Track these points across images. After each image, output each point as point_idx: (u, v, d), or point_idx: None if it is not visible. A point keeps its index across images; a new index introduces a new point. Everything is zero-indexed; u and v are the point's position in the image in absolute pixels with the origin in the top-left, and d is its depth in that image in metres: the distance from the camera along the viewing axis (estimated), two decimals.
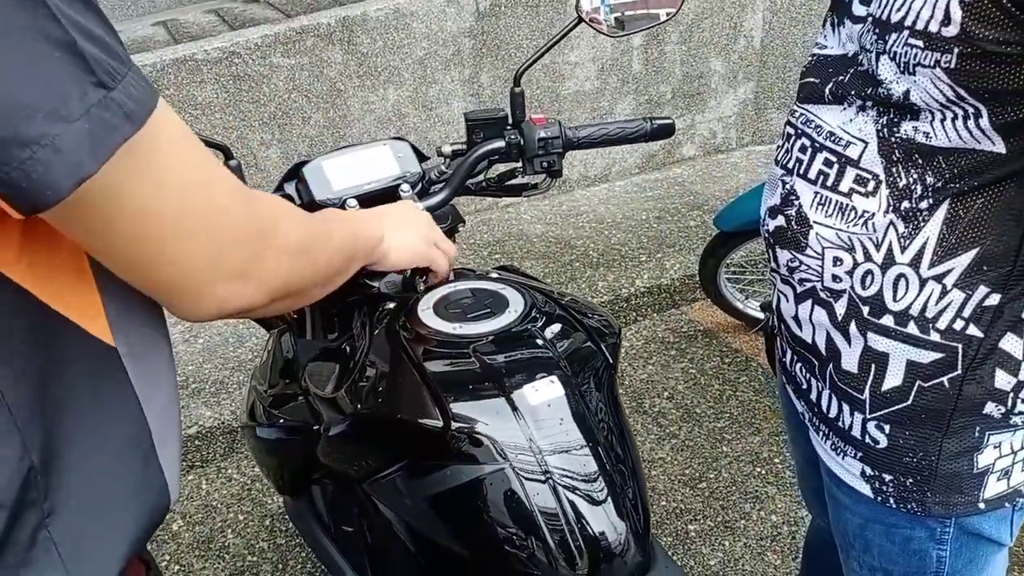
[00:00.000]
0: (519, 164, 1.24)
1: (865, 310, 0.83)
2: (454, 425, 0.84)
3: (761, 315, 2.50)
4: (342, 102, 2.88)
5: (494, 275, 1.08)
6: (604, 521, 0.83)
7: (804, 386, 0.96)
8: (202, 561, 1.94)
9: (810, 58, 0.89)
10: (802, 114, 0.88)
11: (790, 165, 0.88)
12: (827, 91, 0.84)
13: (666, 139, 1.27)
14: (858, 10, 0.80)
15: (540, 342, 0.93)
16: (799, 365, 0.96)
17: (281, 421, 1.08)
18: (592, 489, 0.84)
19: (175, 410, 0.66)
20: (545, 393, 0.86)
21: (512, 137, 1.21)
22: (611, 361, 0.96)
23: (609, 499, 0.84)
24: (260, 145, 2.82)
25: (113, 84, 0.46)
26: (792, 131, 0.89)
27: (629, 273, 2.76)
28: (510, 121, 1.23)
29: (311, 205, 1.12)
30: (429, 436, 0.84)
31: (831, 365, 0.89)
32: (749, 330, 2.58)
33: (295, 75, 2.78)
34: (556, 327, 0.97)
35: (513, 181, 1.26)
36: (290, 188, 1.17)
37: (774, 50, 3.69)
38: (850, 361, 0.86)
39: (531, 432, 0.84)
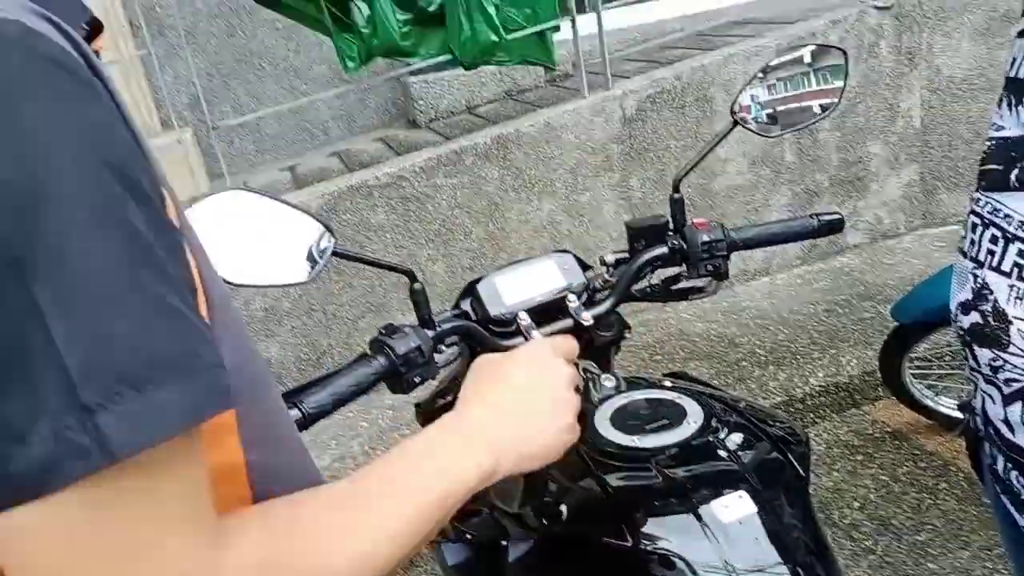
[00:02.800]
0: (683, 268, 1.23)
1: None
2: (643, 544, 0.81)
3: (956, 413, 2.28)
4: (500, 215, 3.01)
5: (667, 383, 1.06)
6: None
7: (1023, 496, 0.86)
8: None
9: (987, 143, 0.85)
10: (987, 203, 0.82)
11: (980, 257, 0.83)
12: (1012, 177, 0.79)
13: (836, 235, 1.23)
14: None
15: (723, 454, 0.89)
16: (1014, 473, 0.86)
17: (468, 536, 1.09)
18: None
19: None
20: (736, 510, 0.82)
21: (675, 242, 1.21)
22: (802, 473, 0.90)
23: None
24: (427, 260, 2.98)
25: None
26: (978, 221, 0.84)
27: (802, 371, 2.62)
28: (671, 227, 1.24)
29: (487, 320, 1.16)
30: (619, 556, 0.82)
31: None
32: (943, 431, 2.36)
33: (456, 193, 2.95)
34: (738, 437, 0.93)
35: (679, 285, 1.25)
36: (465, 305, 1.22)
37: (936, 129, 3.51)
38: None
39: (724, 551, 0.80)
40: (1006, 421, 0.83)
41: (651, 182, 3.19)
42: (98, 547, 0.39)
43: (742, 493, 0.83)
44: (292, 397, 0.96)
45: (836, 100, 1.27)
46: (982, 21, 3.45)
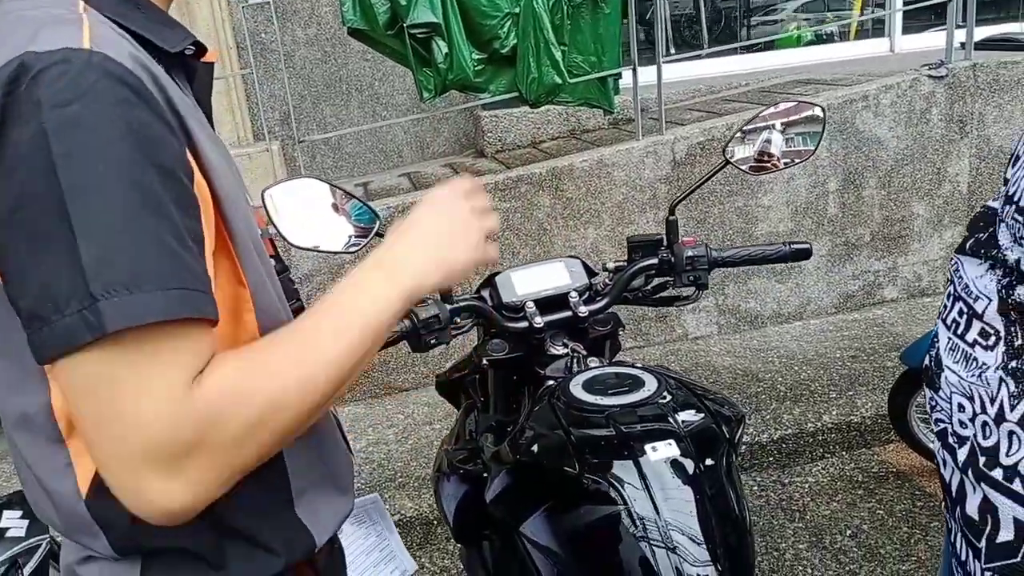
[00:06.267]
0: (671, 278, 1.45)
1: (982, 460, 0.86)
2: (587, 472, 1.03)
3: None
4: (547, 239, 3.26)
5: (639, 365, 1.28)
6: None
7: (949, 525, 0.99)
8: None
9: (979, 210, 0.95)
10: (955, 262, 0.94)
11: (942, 308, 0.96)
12: (968, 245, 0.91)
13: (804, 261, 1.43)
14: (1008, 173, 0.87)
15: (665, 415, 1.10)
16: (944, 503, 0.99)
17: (460, 471, 1.32)
18: (695, 543, 0.98)
19: (320, 466, 0.82)
20: (663, 452, 1.03)
21: (665, 256, 1.43)
22: (728, 437, 1.10)
23: (707, 553, 0.97)
24: (475, 274, 3.24)
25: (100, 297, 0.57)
26: (949, 277, 0.97)
27: (816, 408, 2.76)
28: (664, 243, 1.46)
29: (500, 306, 1.40)
30: (568, 481, 1.04)
31: (958, 508, 0.92)
32: None
33: (509, 216, 3.21)
34: (682, 405, 1.14)
35: (665, 293, 1.47)
36: (484, 292, 1.47)
37: (983, 195, 3.61)
38: (972, 507, 0.88)
39: (649, 484, 1.01)
40: (941, 456, 0.97)
41: (694, 221, 3.39)
42: (109, 387, 0.59)
43: (671, 442, 1.04)
44: None
45: (812, 150, 1.49)
46: None
